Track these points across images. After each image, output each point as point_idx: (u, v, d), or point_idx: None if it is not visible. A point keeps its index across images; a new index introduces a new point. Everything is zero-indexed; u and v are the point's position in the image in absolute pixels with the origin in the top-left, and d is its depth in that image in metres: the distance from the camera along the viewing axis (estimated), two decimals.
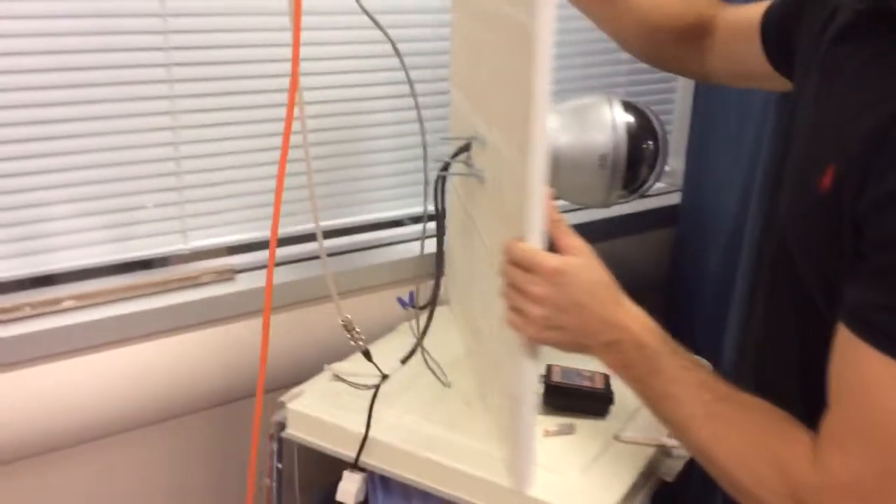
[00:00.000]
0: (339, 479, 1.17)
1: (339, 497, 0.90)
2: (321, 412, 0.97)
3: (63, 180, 1.06)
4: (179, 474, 1.20)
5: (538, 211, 0.74)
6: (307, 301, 1.22)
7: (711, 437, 0.67)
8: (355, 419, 0.95)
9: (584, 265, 0.75)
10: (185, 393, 1.15)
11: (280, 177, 0.83)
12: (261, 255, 1.24)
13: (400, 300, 1.05)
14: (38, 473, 1.09)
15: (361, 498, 0.89)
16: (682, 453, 0.94)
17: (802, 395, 0.70)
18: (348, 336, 0.97)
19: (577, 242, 0.76)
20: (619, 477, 0.86)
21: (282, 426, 1.00)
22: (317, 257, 1.26)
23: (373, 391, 0.95)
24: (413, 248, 1.33)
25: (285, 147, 0.83)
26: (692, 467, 0.95)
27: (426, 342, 0.99)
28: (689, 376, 0.70)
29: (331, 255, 1.29)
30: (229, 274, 1.19)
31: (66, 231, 1.08)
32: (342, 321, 0.94)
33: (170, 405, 1.15)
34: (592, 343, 0.75)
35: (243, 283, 1.19)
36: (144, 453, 1.16)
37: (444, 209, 1.01)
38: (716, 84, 1.00)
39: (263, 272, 1.22)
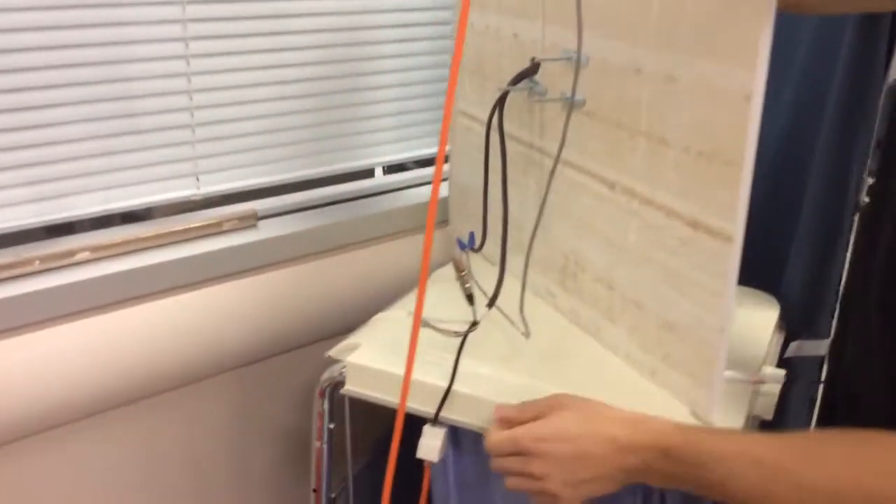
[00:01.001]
0: (385, 435, 1.09)
1: (421, 454, 0.82)
2: (386, 364, 0.88)
3: (70, 115, 0.93)
4: (201, 442, 1.09)
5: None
6: (332, 250, 1.12)
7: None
8: (425, 370, 0.87)
9: (561, 417, 0.72)
10: (206, 353, 1.04)
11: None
12: (284, 200, 1.13)
13: (459, 241, 0.97)
14: (43, 451, 0.97)
15: (443, 454, 0.81)
16: (771, 389, 0.89)
17: None
18: (457, 275, 0.87)
19: (542, 403, 0.74)
20: (729, 418, 0.80)
21: (336, 383, 0.91)
22: (340, 202, 1.17)
23: (460, 338, 0.89)
24: (423, 193, 1.24)
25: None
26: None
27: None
28: (736, 444, 0.64)
29: (345, 200, 1.19)
30: (251, 220, 1.07)
31: (68, 175, 0.95)
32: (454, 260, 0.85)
33: (190, 367, 1.04)
34: (623, 477, 0.69)
35: (267, 230, 1.08)
36: (163, 421, 1.05)
37: (502, 137, 0.93)
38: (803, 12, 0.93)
39: (288, 218, 1.11)
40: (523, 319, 0.96)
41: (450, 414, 0.85)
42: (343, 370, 0.90)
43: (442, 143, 0.72)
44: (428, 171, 1.29)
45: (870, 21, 1.01)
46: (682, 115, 0.75)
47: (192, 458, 1.08)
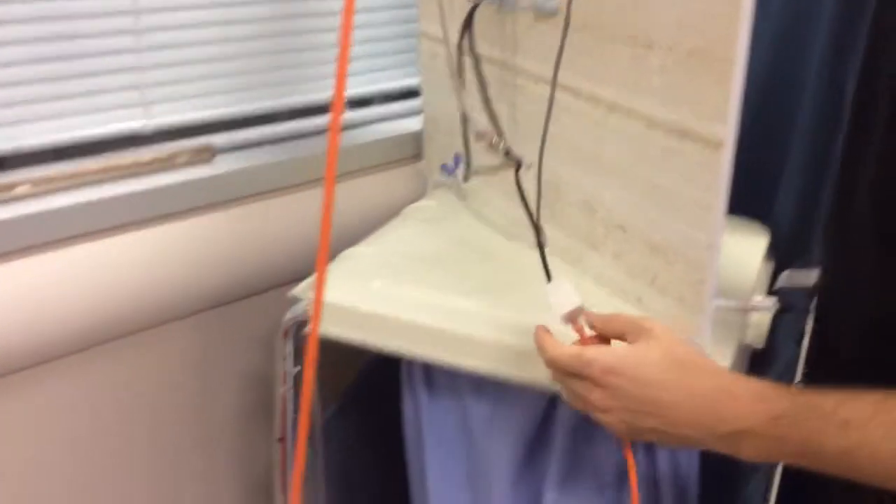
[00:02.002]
0: (357, 380, 1.03)
1: (558, 310, 0.68)
2: (351, 300, 0.82)
3: (4, 36, 0.84)
4: (161, 390, 1.02)
5: None
6: (297, 185, 1.04)
7: None
8: (396, 304, 0.81)
9: (644, 352, 0.61)
10: (163, 296, 0.97)
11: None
12: (244, 134, 1.06)
13: (444, 166, 0.90)
14: None
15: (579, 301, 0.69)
16: (762, 318, 0.84)
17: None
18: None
19: (632, 322, 0.64)
20: (720, 347, 0.75)
21: (300, 323, 0.85)
22: (300, 137, 1.09)
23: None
24: (392, 128, 1.17)
25: None
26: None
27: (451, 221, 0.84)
28: (858, 408, 0.53)
29: (310, 135, 1.11)
30: (207, 154, 1.00)
31: (5, 103, 0.87)
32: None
33: (146, 311, 0.97)
34: (705, 437, 0.59)
35: (224, 164, 1.00)
36: (120, 369, 0.98)
37: (477, 60, 0.86)
38: None
39: (247, 153, 1.04)
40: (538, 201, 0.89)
41: (420, 350, 0.79)
42: (307, 309, 0.83)
43: (339, 90, 0.62)
44: (395, 106, 1.21)
45: None
46: (669, 13, 0.69)
47: (151, 407, 1.01)
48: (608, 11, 0.75)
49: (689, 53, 0.67)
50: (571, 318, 0.67)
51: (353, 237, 0.98)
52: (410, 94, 1.21)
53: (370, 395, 1.01)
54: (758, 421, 0.56)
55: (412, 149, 1.16)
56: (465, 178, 0.90)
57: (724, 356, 0.73)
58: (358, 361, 1.02)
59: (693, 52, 0.67)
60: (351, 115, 1.17)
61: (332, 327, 0.82)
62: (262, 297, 1.02)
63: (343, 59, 0.63)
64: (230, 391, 1.07)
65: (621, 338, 0.64)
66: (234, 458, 1.08)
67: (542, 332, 0.67)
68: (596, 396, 0.62)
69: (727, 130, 0.65)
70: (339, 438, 0.98)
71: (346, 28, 0.64)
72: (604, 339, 0.66)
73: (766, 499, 1.01)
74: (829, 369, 0.71)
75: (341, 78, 0.62)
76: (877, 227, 0.62)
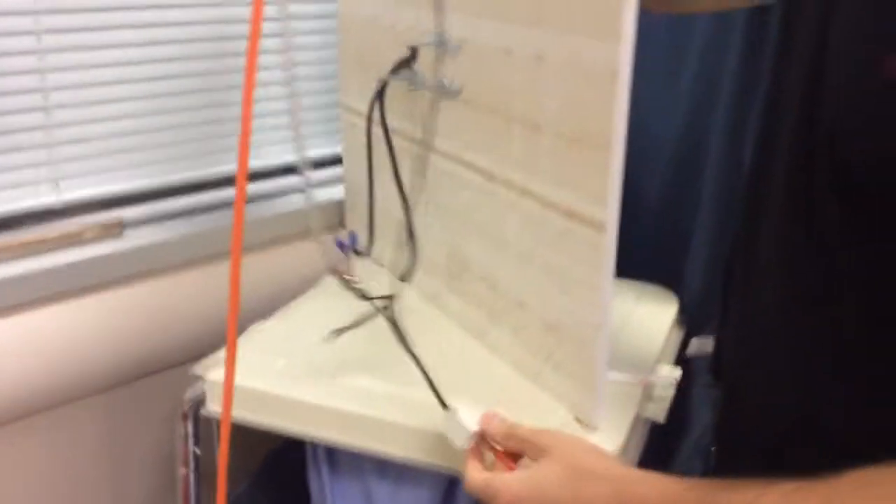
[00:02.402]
0: (266, 463, 1.01)
1: (458, 441, 0.68)
2: (252, 381, 0.81)
3: None
4: (67, 472, 1.00)
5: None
6: (209, 257, 1.04)
7: None
8: (299, 386, 0.80)
9: (543, 472, 0.61)
10: (69, 373, 0.95)
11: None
12: (153, 207, 1.05)
13: (339, 241, 0.90)
14: None
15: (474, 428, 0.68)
16: (664, 391, 0.85)
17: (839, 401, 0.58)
18: (340, 280, 0.78)
19: (532, 440, 0.63)
20: (615, 422, 0.75)
21: (199, 403, 0.83)
22: (217, 208, 1.09)
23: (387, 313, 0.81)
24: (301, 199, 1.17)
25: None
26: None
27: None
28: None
29: (220, 207, 1.11)
30: (116, 229, 0.99)
31: None
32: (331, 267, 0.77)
33: (49, 392, 0.94)
34: None
35: (134, 239, 0.99)
36: (23, 450, 0.96)
37: (386, 131, 0.87)
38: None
39: (156, 226, 1.03)
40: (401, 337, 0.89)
41: (324, 433, 0.78)
42: (205, 389, 0.82)
43: (243, 153, 0.63)
44: (322, 174, 1.22)
45: (760, 12, 0.98)
46: (553, 98, 0.70)
47: (58, 488, 0.98)
48: (504, 91, 0.76)
49: (570, 139, 0.69)
50: (475, 440, 0.67)
51: (270, 309, 0.97)
52: (337, 161, 1.22)
53: (280, 475, 0.99)
54: None
55: (337, 217, 1.17)
56: (368, 253, 0.91)
57: (618, 432, 0.73)
58: (267, 441, 1.00)
59: (574, 138, 0.68)
60: (272, 183, 1.17)
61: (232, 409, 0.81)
62: (170, 372, 1.01)
63: (245, 135, 0.64)
64: (140, 472, 1.04)
65: (522, 453, 0.64)
66: None
67: (468, 456, 0.67)
68: None
69: (608, 213, 0.66)
70: None
71: (247, 103, 0.64)
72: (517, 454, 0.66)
73: None
74: (737, 449, 0.71)
75: (244, 152, 0.63)
76: (782, 290, 0.63)
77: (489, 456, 0.67)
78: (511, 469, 0.65)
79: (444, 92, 0.84)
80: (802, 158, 0.58)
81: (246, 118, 0.64)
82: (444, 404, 0.70)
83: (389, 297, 0.81)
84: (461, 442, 0.67)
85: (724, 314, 0.79)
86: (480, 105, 0.80)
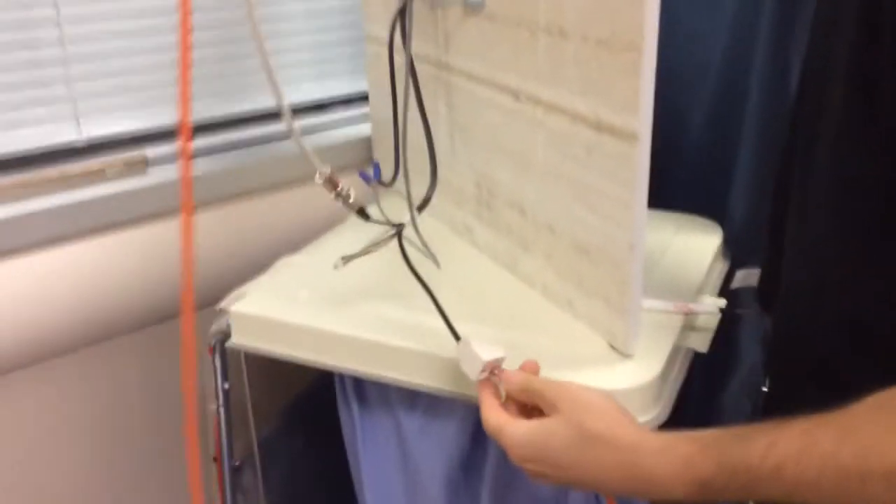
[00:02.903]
0: (299, 397, 1.00)
1: (470, 371, 0.65)
2: (274, 312, 0.78)
3: None
4: (102, 410, 1.00)
5: None
6: (236, 194, 1.02)
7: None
8: (321, 315, 0.77)
9: (553, 433, 0.57)
10: (99, 312, 0.94)
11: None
12: (177, 145, 1.03)
13: (362, 174, 0.87)
14: None
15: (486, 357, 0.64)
16: (708, 321, 0.80)
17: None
18: (333, 194, 0.74)
19: (548, 394, 0.59)
20: (653, 349, 0.71)
21: (224, 336, 0.82)
22: (242, 145, 1.07)
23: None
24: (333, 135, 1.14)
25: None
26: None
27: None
28: (786, 447, 0.49)
29: (247, 145, 1.08)
30: (140, 166, 0.97)
31: None
32: (320, 176, 0.72)
33: (83, 328, 0.94)
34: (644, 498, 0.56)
35: (158, 175, 0.98)
36: (54, 391, 0.96)
37: (410, 54, 0.83)
38: None
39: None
40: (428, 249, 0.86)
41: (349, 364, 0.76)
42: (231, 322, 0.81)
43: (184, 101, 0.58)
44: (350, 112, 1.18)
45: None
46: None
47: (94, 425, 0.98)
48: (524, 2, 0.71)
49: (598, 42, 0.64)
50: (487, 372, 0.64)
51: (299, 245, 0.95)
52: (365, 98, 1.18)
53: (314, 411, 0.97)
54: (685, 490, 0.52)
55: (368, 153, 1.13)
56: (391, 184, 0.87)
57: (655, 360, 0.69)
58: (301, 378, 0.99)
59: (602, 40, 0.63)
60: (304, 120, 1.14)
61: (253, 341, 0.79)
62: (201, 312, 0.99)
63: (185, 78, 0.60)
64: (174, 410, 1.03)
65: (537, 406, 0.61)
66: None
67: (483, 388, 0.63)
68: (527, 472, 0.59)
69: (640, 122, 0.62)
70: (281, 458, 0.95)
71: (185, 44, 0.61)
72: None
73: None
74: (792, 374, 0.67)
75: (185, 99, 0.59)
76: (839, 213, 0.58)
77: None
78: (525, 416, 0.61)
79: (468, 7, 0.80)
80: (861, 79, 0.53)
81: (185, 65, 0.60)
82: (456, 335, 0.67)
83: (401, 225, 0.77)
84: (474, 373, 0.64)
85: (773, 241, 0.75)
86: (505, 18, 0.75)
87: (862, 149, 0.54)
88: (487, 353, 0.63)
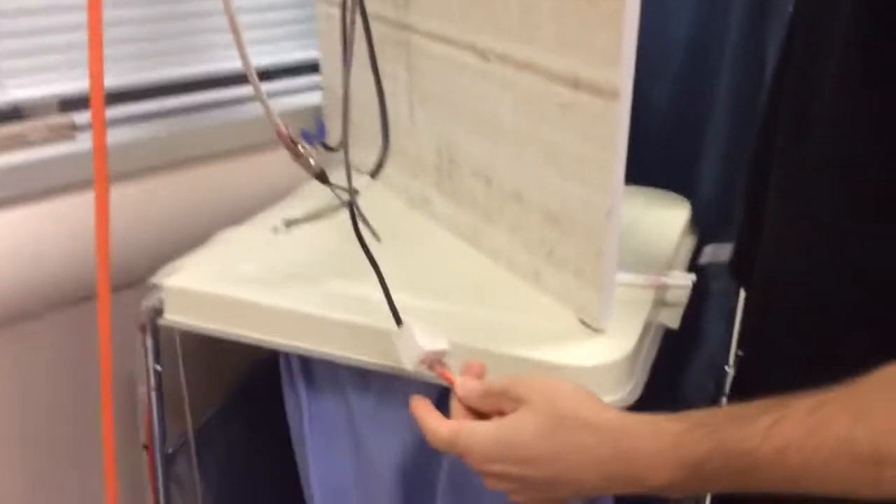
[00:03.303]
0: (242, 379, 0.93)
1: (408, 363, 0.59)
2: (211, 286, 0.72)
3: None
4: (21, 392, 0.91)
5: None
6: (171, 163, 0.94)
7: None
8: (263, 289, 0.71)
9: (520, 427, 0.51)
10: (21, 288, 0.86)
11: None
12: (108, 111, 0.95)
13: (305, 133, 0.80)
14: None
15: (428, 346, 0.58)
16: (678, 296, 0.76)
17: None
18: (293, 155, 0.66)
19: (509, 390, 0.52)
20: (625, 324, 0.66)
21: (157, 313, 0.74)
22: (179, 112, 0.99)
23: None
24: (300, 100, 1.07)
25: None
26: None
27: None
28: (790, 428, 0.44)
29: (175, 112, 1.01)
30: (67, 131, 0.89)
31: None
32: (279, 134, 0.65)
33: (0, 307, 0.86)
34: (626, 491, 0.50)
35: (87, 142, 0.89)
36: None
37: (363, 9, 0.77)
38: None
39: (111, 130, 0.93)
40: (366, 221, 0.79)
41: (295, 341, 0.69)
42: (163, 297, 0.73)
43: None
44: (299, 81, 1.11)
45: None
46: None
47: (11, 410, 0.90)
48: None
49: None
50: (426, 363, 0.58)
51: (243, 218, 0.88)
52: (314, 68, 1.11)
53: (256, 395, 0.91)
54: (675, 475, 0.46)
55: (314, 123, 1.07)
56: (337, 148, 0.80)
57: (628, 336, 0.64)
58: (244, 357, 0.92)
59: None
60: (246, 90, 1.07)
61: (190, 317, 0.72)
62: (134, 290, 0.91)
63: (96, 38, 0.53)
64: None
65: (501, 414, 0.54)
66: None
67: (417, 404, 0.56)
68: (490, 483, 0.53)
69: (621, 77, 0.57)
70: (219, 444, 0.88)
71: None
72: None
73: None
74: (768, 349, 0.63)
75: (97, 66, 0.52)
76: (838, 177, 0.54)
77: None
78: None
79: None
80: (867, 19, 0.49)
81: (95, 22, 0.53)
82: (398, 318, 0.60)
83: (354, 191, 0.71)
84: (412, 363, 0.58)
85: (749, 215, 0.71)
86: None
87: (865, 99, 0.50)
88: (430, 343, 0.57)
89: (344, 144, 0.74)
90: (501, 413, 0.53)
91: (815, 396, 0.43)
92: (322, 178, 0.65)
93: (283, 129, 0.61)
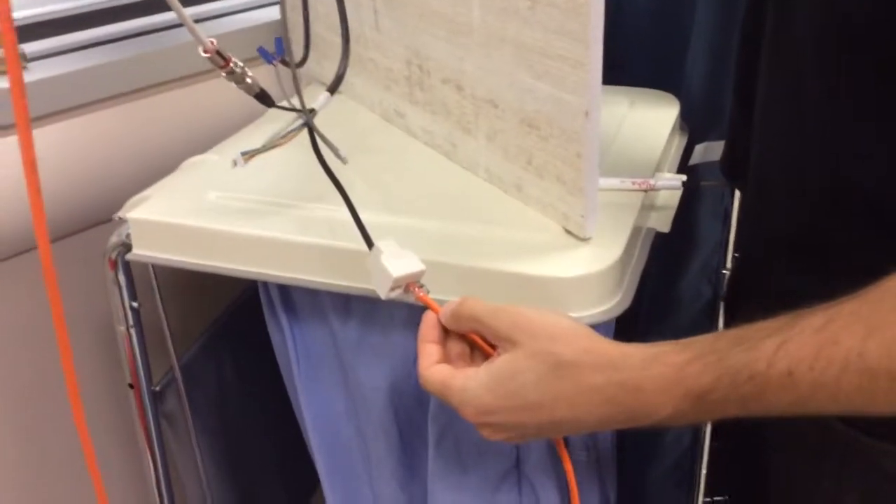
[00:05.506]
0: (225, 313, 0.91)
1: (382, 290, 0.56)
2: (179, 216, 0.68)
3: None
4: (9, 334, 0.89)
5: None
6: (130, 92, 0.89)
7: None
8: (234, 217, 0.68)
9: (511, 369, 0.48)
10: None
11: None
12: (62, 40, 0.90)
13: (261, 50, 0.75)
14: None
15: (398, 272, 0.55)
16: (669, 199, 0.73)
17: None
18: (224, 74, 0.62)
19: (493, 321, 0.50)
20: (612, 231, 0.63)
21: (126, 248, 0.71)
22: (134, 35, 0.93)
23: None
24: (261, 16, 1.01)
25: None
26: None
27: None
28: (799, 348, 0.41)
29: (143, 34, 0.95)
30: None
31: None
32: (205, 51, 0.60)
33: None
34: (623, 426, 0.48)
35: (38, 72, 0.85)
36: None
37: None
38: None
39: (65, 59, 0.88)
40: (327, 140, 0.75)
41: (268, 269, 0.66)
42: (131, 230, 0.70)
43: None
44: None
45: None
46: None
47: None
48: None
49: None
50: (400, 288, 0.55)
51: (210, 144, 0.84)
52: None
53: (241, 327, 0.89)
54: (680, 406, 0.44)
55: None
56: (300, 64, 0.76)
57: (615, 243, 0.61)
58: (225, 290, 0.89)
59: None
60: (203, 7, 1.01)
61: (160, 250, 0.69)
62: (101, 228, 0.88)
63: None
64: (79, 337, 0.93)
65: (484, 340, 0.52)
66: (98, 407, 0.96)
67: (421, 331, 0.54)
68: (486, 434, 0.51)
69: None
70: (207, 378, 0.86)
71: None
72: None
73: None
74: (767, 248, 0.61)
75: None
76: (825, 60, 0.50)
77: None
78: (488, 353, 0.52)
79: None
80: None
81: None
82: (369, 242, 0.57)
83: (311, 111, 0.67)
84: (383, 290, 0.55)
85: (740, 107, 0.67)
86: None
87: None
88: (401, 268, 0.54)
89: (290, 57, 0.69)
90: (476, 335, 0.52)
91: (822, 313, 0.41)
92: (263, 98, 0.60)
93: (209, 44, 0.57)
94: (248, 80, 0.60)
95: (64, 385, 0.59)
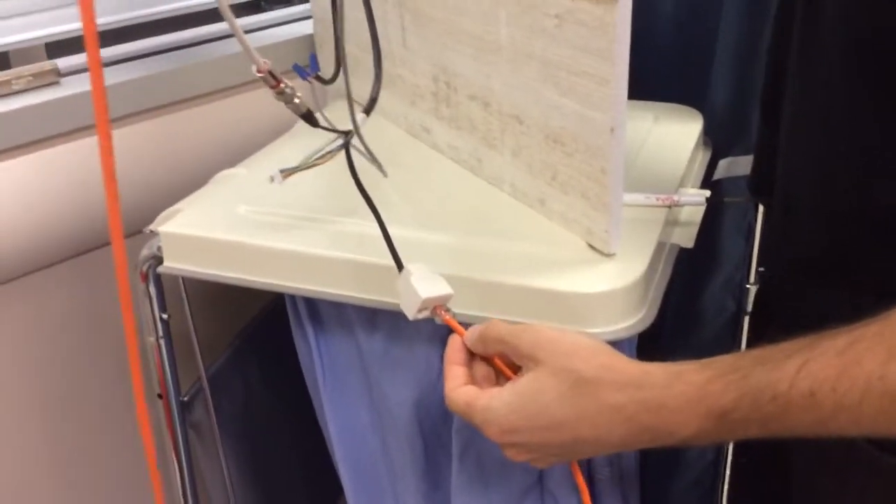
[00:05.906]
0: (253, 323, 0.92)
1: (410, 311, 0.57)
2: (209, 230, 0.70)
3: None
4: (31, 347, 0.91)
5: None
6: (162, 106, 0.91)
7: None
8: (263, 231, 0.69)
9: (535, 388, 0.49)
10: (13, 244, 0.84)
11: None
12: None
13: (296, 67, 0.77)
14: None
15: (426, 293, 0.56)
16: (692, 214, 0.73)
17: None
18: (275, 93, 0.63)
19: (516, 341, 0.51)
20: (636, 246, 0.63)
21: (157, 261, 0.73)
22: (167, 50, 0.95)
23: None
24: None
25: None
26: None
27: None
28: (821, 369, 0.41)
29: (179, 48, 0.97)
30: (51, 76, 0.86)
31: None
32: (259, 71, 0.62)
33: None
34: (646, 446, 0.48)
35: (73, 87, 0.87)
36: None
37: None
38: None
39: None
40: (372, 155, 0.77)
41: (296, 283, 0.67)
42: (162, 243, 0.72)
43: None
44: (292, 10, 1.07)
45: None
46: None
47: (21, 367, 0.90)
48: None
49: None
50: (427, 311, 0.56)
51: (239, 157, 0.86)
52: None
53: (267, 338, 0.90)
54: (703, 426, 0.45)
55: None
56: (331, 80, 0.77)
57: (639, 258, 0.62)
58: (252, 302, 0.91)
59: None
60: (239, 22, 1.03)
61: (190, 263, 0.71)
62: (134, 239, 0.90)
63: None
64: (113, 346, 0.95)
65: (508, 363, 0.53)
66: (122, 416, 0.97)
67: (447, 353, 0.55)
68: (510, 454, 0.52)
69: None
70: (234, 388, 0.87)
71: None
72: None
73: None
74: (792, 265, 0.61)
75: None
76: (852, 74, 0.50)
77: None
78: (509, 377, 0.53)
79: None
80: None
81: None
82: (399, 264, 0.58)
83: (349, 132, 0.68)
84: (411, 311, 0.56)
85: (767, 122, 0.67)
86: None
87: None
88: (429, 290, 0.55)
89: (346, 80, 0.71)
90: (502, 357, 0.53)
91: (846, 334, 0.41)
92: (310, 119, 0.61)
93: (262, 65, 0.58)
94: (297, 101, 0.61)
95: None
